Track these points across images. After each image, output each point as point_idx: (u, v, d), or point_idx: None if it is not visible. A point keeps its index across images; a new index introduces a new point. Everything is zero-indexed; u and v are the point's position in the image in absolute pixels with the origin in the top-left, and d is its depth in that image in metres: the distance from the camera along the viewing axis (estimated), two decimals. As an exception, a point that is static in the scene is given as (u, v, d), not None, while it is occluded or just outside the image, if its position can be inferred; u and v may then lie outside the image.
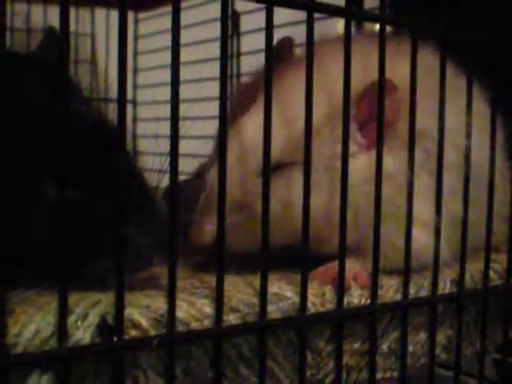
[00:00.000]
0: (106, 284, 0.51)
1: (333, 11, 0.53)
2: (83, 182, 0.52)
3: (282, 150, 0.61)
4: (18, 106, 0.50)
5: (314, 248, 0.56)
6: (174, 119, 0.45)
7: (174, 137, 0.45)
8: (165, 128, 0.98)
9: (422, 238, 0.61)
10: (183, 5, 0.46)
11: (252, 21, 1.11)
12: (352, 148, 0.56)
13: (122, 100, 0.43)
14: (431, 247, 0.59)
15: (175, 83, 0.45)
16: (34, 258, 0.51)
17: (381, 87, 0.54)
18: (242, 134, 0.64)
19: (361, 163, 0.62)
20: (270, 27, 0.48)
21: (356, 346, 0.59)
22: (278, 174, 0.62)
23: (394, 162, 0.61)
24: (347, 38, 0.51)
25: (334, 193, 0.59)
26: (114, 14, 1.36)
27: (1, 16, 0.39)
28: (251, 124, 0.63)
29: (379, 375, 0.61)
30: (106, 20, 1.38)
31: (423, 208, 0.61)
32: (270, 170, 0.49)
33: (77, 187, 0.51)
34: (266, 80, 0.48)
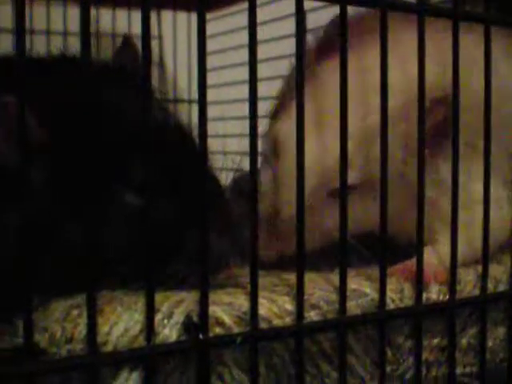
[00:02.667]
0: (187, 285, 0.52)
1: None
2: (165, 189, 0.54)
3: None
4: (103, 116, 0.52)
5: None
6: (253, 118, 0.45)
7: (254, 135, 0.45)
8: (230, 128, 0.99)
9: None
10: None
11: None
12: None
13: (202, 103, 0.44)
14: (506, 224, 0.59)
15: (253, 82, 0.45)
16: (121, 260, 0.52)
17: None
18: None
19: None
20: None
21: (435, 341, 0.59)
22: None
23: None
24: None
25: (406, 197, 0.59)
26: (181, 16, 1.38)
27: (86, 25, 0.40)
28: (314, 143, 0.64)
29: (459, 370, 0.61)
30: (172, 22, 1.40)
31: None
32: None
33: (159, 194, 0.52)
34: (342, 102, 0.48)
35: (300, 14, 0.48)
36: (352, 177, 0.61)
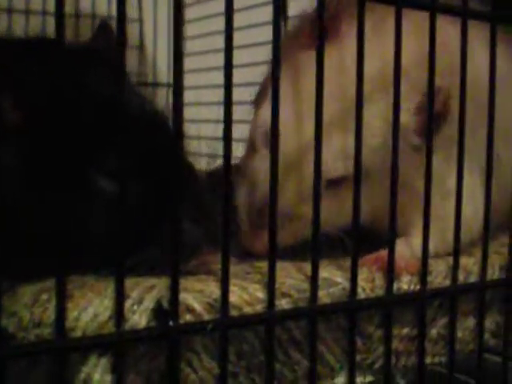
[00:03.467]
0: (158, 271, 0.52)
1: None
2: (139, 175, 0.54)
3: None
4: (77, 100, 0.52)
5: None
6: (227, 104, 0.45)
7: (228, 121, 0.45)
8: (205, 113, 0.99)
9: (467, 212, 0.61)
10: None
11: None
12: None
13: (177, 90, 0.43)
14: (478, 220, 0.59)
15: (228, 67, 0.45)
16: (92, 246, 0.52)
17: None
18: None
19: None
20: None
21: (405, 331, 0.60)
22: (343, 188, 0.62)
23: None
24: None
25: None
26: (162, 0, 1.37)
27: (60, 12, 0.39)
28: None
29: (428, 360, 0.61)
30: (153, 5, 1.39)
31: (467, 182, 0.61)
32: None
33: (133, 180, 0.52)
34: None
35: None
36: (346, 167, 0.61)
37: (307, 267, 0.51)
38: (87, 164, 0.54)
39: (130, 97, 0.56)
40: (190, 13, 1.24)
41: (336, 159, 0.63)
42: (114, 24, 0.56)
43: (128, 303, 0.46)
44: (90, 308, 0.46)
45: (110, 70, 0.55)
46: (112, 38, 0.64)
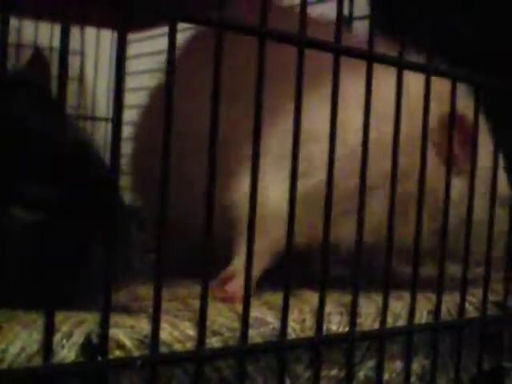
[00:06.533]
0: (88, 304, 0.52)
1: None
2: (63, 206, 0.53)
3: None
4: None
5: None
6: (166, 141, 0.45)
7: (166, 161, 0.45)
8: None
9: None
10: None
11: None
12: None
13: (117, 122, 0.44)
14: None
15: (170, 102, 0.45)
16: (17, 277, 0.52)
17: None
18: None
19: None
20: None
21: (333, 372, 0.60)
22: None
23: None
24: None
25: None
26: (105, 34, 1.38)
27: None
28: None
29: (355, 402, 0.62)
30: (96, 39, 1.39)
31: None
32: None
33: (56, 211, 0.51)
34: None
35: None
36: None
37: (239, 306, 0.52)
38: (5, 195, 0.53)
39: (57, 127, 0.55)
40: (133, 49, 1.25)
41: None
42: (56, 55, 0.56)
43: (57, 337, 0.46)
44: (18, 341, 0.45)
45: (39, 100, 0.55)
46: (46, 66, 0.64)
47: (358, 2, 1.12)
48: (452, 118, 0.62)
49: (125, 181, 0.96)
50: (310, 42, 0.51)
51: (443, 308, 0.65)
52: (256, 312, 0.57)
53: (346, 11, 1.08)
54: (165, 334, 0.50)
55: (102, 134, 1.27)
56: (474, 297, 0.71)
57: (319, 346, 0.55)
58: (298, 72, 0.51)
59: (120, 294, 0.54)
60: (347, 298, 0.58)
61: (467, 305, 0.68)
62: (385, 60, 0.57)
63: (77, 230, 0.53)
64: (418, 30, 0.56)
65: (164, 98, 0.45)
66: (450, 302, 0.68)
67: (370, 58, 0.55)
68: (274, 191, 0.67)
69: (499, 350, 0.73)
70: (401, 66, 0.58)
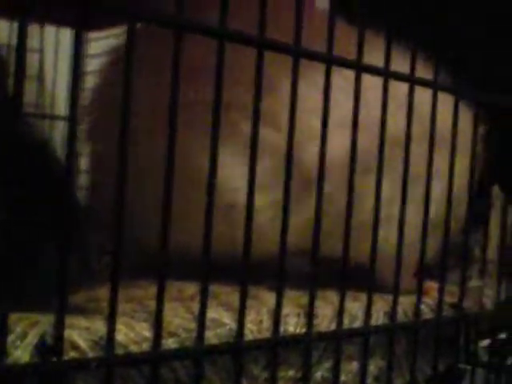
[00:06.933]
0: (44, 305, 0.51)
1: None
2: (17, 205, 0.52)
3: None
4: None
5: None
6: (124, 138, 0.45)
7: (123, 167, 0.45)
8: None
9: None
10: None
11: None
12: None
13: (73, 120, 0.43)
14: None
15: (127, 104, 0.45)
16: None
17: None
18: None
19: None
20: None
21: (290, 373, 0.61)
22: None
23: None
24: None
25: None
26: (64, 32, 1.36)
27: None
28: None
29: (312, 402, 0.62)
30: (55, 37, 1.38)
31: None
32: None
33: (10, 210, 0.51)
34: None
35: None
36: None
37: (195, 307, 0.52)
38: None
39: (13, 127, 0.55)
40: (92, 48, 1.24)
41: None
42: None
43: (11, 338, 0.46)
44: (-29, 342, 0.45)
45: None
46: (3, 65, 0.63)
47: None
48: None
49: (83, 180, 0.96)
50: (269, 44, 0.51)
51: (399, 309, 0.65)
52: (213, 313, 0.57)
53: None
54: (120, 335, 0.50)
55: (61, 132, 1.26)
56: (430, 298, 0.72)
57: (276, 347, 0.55)
58: (257, 74, 0.51)
59: (76, 295, 0.54)
60: (304, 299, 0.58)
61: (423, 306, 0.69)
62: (344, 63, 0.57)
63: (32, 230, 0.53)
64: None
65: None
66: (406, 303, 0.68)
67: (329, 61, 0.55)
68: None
69: (455, 352, 0.73)
70: (359, 68, 0.58)
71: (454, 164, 0.66)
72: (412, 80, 0.62)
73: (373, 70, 0.59)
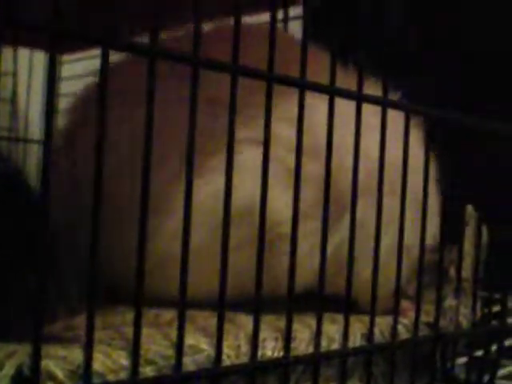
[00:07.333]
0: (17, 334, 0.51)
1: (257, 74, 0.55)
2: None
3: None
4: None
5: None
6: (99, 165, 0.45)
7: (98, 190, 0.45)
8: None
9: None
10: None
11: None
12: None
13: (48, 143, 0.43)
14: None
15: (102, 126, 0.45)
16: None
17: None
18: None
19: None
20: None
21: (269, 397, 0.61)
22: None
23: None
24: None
25: None
26: (38, 55, 1.36)
27: None
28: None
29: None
30: (29, 60, 1.37)
31: None
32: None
33: None
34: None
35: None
36: None
37: (173, 333, 0.51)
38: None
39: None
40: (66, 70, 1.24)
41: None
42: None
43: (-13, 370, 0.45)
44: None
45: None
46: None
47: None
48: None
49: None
50: (242, 70, 0.52)
51: (376, 330, 0.66)
52: (190, 339, 0.56)
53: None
54: (98, 363, 0.49)
55: (34, 156, 1.25)
56: (407, 318, 0.72)
57: (254, 371, 0.55)
58: (232, 100, 0.51)
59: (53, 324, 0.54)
60: (282, 323, 0.58)
61: (400, 326, 0.69)
62: (318, 88, 0.58)
63: (7, 259, 0.52)
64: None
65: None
66: (383, 324, 0.69)
67: (303, 85, 0.56)
68: None
69: (432, 371, 0.74)
70: (332, 93, 0.58)
71: (406, 183, 0.65)
72: (384, 102, 0.63)
73: (346, 94, 0.60)
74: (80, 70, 1.28)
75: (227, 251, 0.52)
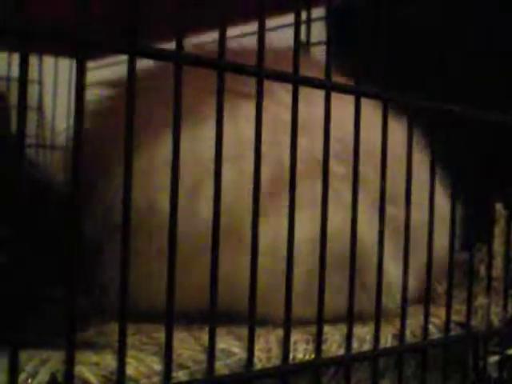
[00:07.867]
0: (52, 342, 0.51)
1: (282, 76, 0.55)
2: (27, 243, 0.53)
3: None
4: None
5: None
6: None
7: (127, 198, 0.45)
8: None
9: None
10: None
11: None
12: None
13: (77, 152, 0.43)
14: None
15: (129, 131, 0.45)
16: None
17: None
18: None
19: None
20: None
21: (301, 400, 0.61)
22: None
23: None
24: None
25: None
26: (63, 63, 1.37)
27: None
28: None
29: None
30: (54, 68, 1.39)
31: None
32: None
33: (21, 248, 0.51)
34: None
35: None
36: None
37: (205, 337, 0.52)
38: None
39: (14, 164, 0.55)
40: (91, 76, 1.24)
41: None
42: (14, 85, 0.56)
43: (22, 377, 0.46)
44: (-17, 382, 0.45)
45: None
46: (3, 97, 0.63)
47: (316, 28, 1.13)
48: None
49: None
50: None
51: (407, 331, 0.65)
52: (222, 343, 0.57)
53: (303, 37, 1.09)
54: (131, 369, 0.50)
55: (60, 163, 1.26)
56: (438, 318, 0.72)
57: (286, 374, 0.55)
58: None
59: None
60: (312, 326, 0.58)
61: (431, 326, 0.69)
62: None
63: (40, 268, 0.53)
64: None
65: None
66: (413, 324, 0.68)
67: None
68: None
69: (463, 371, 0.73)
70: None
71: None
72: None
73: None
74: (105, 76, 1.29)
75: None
